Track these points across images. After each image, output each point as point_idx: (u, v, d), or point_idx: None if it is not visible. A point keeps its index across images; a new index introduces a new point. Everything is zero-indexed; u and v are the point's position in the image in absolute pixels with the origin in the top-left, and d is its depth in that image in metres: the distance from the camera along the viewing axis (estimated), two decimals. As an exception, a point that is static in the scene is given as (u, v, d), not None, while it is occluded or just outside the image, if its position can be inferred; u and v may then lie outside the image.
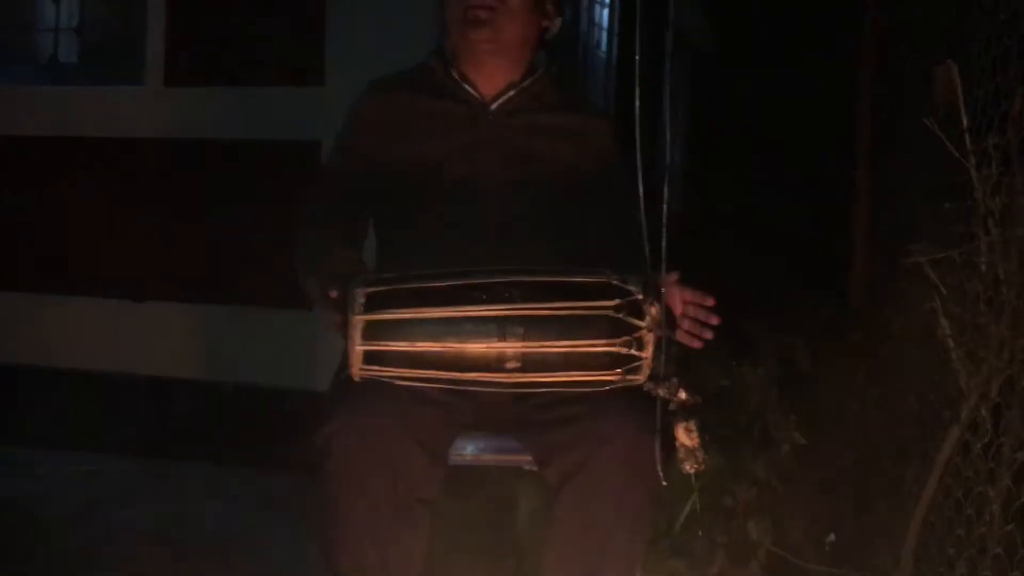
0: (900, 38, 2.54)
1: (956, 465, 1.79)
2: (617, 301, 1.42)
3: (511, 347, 1.42)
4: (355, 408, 1.47)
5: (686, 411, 1.41)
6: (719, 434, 2.49)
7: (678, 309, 1.52)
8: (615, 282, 1.44)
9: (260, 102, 3.24)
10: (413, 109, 1.79)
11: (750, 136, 6.05)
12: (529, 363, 1.43)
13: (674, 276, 1.49)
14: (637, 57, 1.38)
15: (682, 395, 1.41)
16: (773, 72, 6.04)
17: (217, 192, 3.30)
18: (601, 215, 1.79)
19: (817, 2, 5.32)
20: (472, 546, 2.29)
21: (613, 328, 1.42)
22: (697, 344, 1.52)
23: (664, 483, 1.44)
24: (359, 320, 1.40)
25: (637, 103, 1.34)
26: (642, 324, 1.41)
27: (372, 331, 1.41)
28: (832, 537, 2.23)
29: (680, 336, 1.52)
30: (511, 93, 1.80)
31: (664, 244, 1.35)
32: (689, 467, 1.40)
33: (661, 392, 1.41)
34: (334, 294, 1.43)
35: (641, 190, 1.38)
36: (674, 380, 1.41)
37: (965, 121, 1.78)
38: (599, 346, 1.42)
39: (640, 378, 1.44)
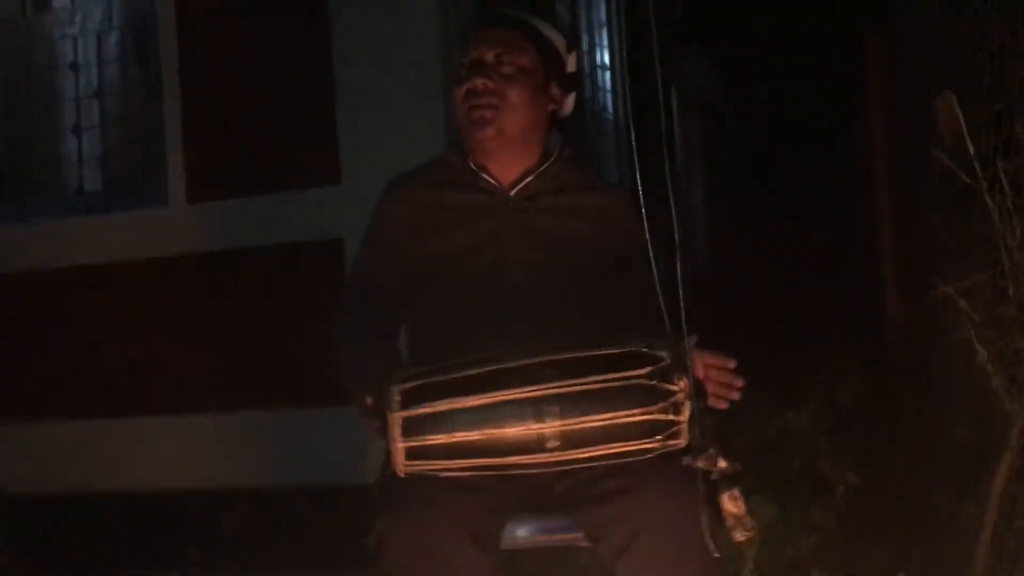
0: (902, 75, 2.56)
1: (1012, 492, 1.76)
2: (649, 368, 1.43)
3: (549, 427, 1.43)
4: (403, 506, 1.48)
5: (728, 480, 1.40)
6: (771, 484, 2.47)
7: (700, 373, 1.52)
8: (644, 350, 1.45)
9: (279, 207, 3.31)
10: (435, 204, 1.82)
11: (771, 182, 6.07)
12: (569, 440, 1.44)
13: (693, 341, 1.49)
14: (632, 121, 1.41)
15: (722, 464, 1.40)
16: (787, 117, 6.08)
17: (247, 298, 3.36)
18: (630, 292, 1.79)
19: (825, 49, 5.37)
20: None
21: (648, 396, 1.43)
22: (723, 406, 1.52)
23: (717, 554, 1.43)
24: (397, 417, 1.42)
25: (636, 162, 1.36)
26: (676, 388, 1.42)
27: (411, 427, 1.43)
28: (902, 576, 2.19)
29: (708, 400, 1.52)
30: (529, 179, 1.83)
31: (683, 310, 1.36)
32: (739, 535, 1.39)
33: (700, 464, 1.41)
34: (369, 402, 1.45)
35: (652, 254, 1.40)
36: (711, 451, 1.40)
37: (971, 148, 1.79)
38: (636, 415, 1.43)
39: (681, 442, 1.44)
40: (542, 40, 1.82)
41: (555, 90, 1.84)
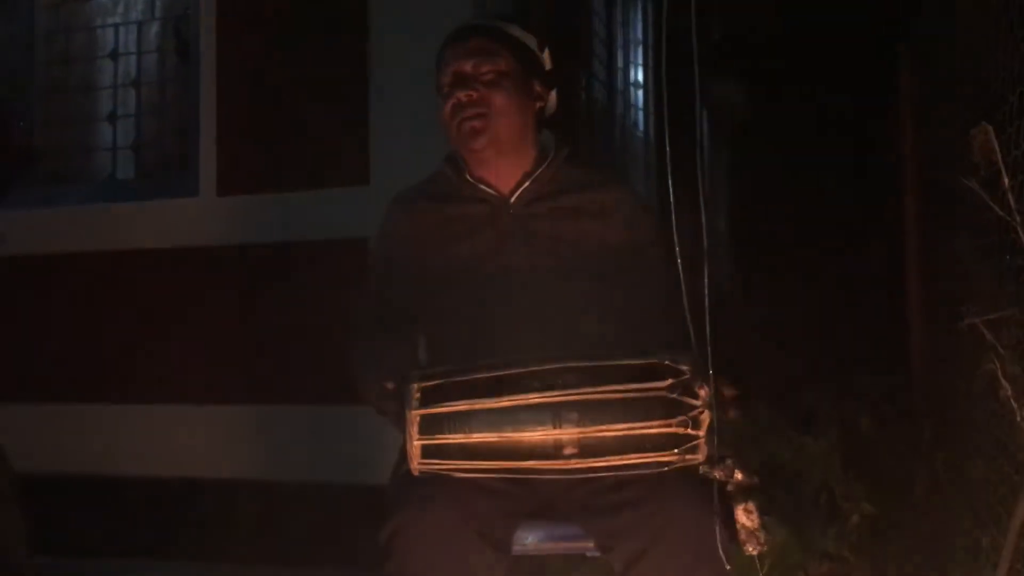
0: (936, 102, 2.55)
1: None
2: (670, 381, 1.42)
3: (567, 433, 1.43)
4: (416, 504, 1.48)
5: (744, 492, 1.39)
6: (785, 509, 2.45)
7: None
8: (667, 362, 1.44)
9: (308, 204, 3.33)
10: (437, 217, 1.84)
11: (797, 206, 6.05)
12: (586, 448, 1.44)
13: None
14: (668, 143, 1.41)
15: (738, 476, 1.40)
16: (816, 143, 6.06)
17: (271, 293, 3.38)
18: (639, 287, 1.79)
19: (857, 75, 5.36)
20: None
21: (668, 409, 1.42)
22: None
23: (728, 566, 1.42)
24: (415, 415, 1.43)
25: (672, 188, 1.36)
26: (696, 403, 1.41)
27: (428, 425, 1.43)
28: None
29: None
30: (527, 183, 1.84)
31: (708, 326, 1.36)
32: (752, 548, 1.39)
33: (717, 475, 1.40)
34: (391, 386, 1.46)
35: (680, 273, 1.40)
36: (728, 462, 1.40)
37: (1006, 181, 1.78)
38: (655, 427, 1.43)
39: (698, 457, 1.44)
40: (514, 42, 1.84)
41: (538, 87, 1.85)
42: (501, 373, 1.45)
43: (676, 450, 1.43)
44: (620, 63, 5.12)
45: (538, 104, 1.86)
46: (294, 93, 3.37)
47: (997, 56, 1.91)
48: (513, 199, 1.83)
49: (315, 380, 3.24)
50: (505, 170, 1.84)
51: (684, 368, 1.43)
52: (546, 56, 1.89)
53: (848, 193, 5.45)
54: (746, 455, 1.44)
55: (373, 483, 2.03)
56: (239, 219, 3.40)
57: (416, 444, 1.43)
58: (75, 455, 3.50)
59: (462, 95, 1.78)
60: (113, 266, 3.55)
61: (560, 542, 1.69)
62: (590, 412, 1.43)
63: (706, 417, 1.41)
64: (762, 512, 1.38)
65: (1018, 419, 1.75)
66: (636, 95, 5.37)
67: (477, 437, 1.43)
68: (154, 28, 3.77)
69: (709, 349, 1.39)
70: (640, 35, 5.39)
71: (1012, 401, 1.79)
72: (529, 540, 1.66)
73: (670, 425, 1.42)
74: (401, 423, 1.44)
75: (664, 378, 1.43)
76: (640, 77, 5.37)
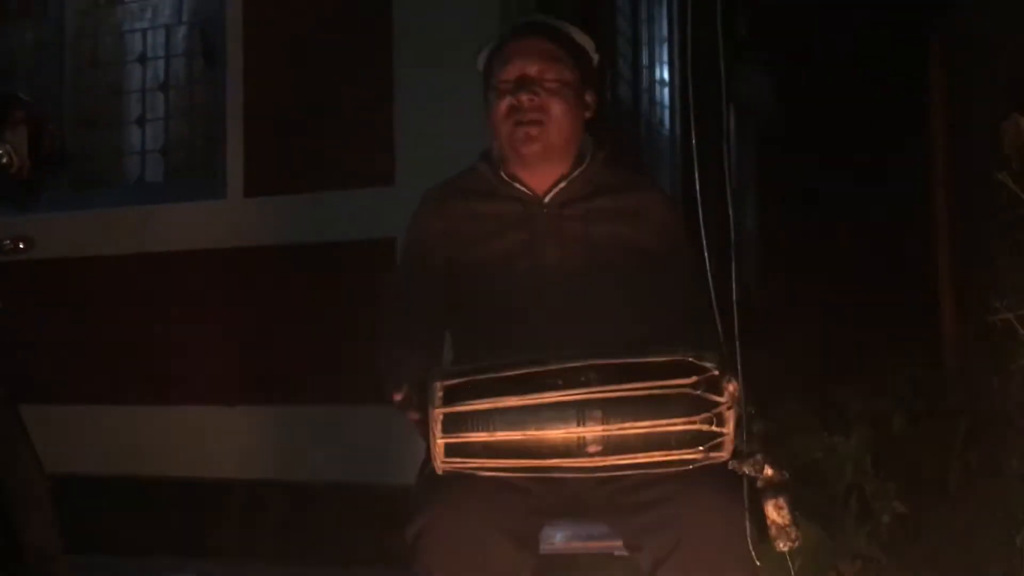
0: (967, 95, 2.52)
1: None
2: (694, 378, 1.41)
3: (591, 431, 1.42)
4: (441, 503, 1.48)
5: (774, 487, 1.37)
6: (816, 508, 2.43)
7: None
8: (691, 359, 1.43)
9: (335, 205, 3.35)
10: (469, 214, 1.83)
11: (825, 202, 5.99)
12: (610, 446, 1.43)
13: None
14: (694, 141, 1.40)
15: (768, 471, 1.38)
16: (844, 138, 6.00)
17: (298, 294, 3.40)
18: (669, 290, 1.78)
19: (887, 68, 5.30)
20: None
21: (692, 406, 1.41)
22: None
23: (758, 563, 1.40)
24: (439, 413, 1.42)
25: (698, 184, 1.35)
26: (721, 400, 1.40)
27: (452, 423, 1.43)
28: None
29: None
30: (562, 184, 1.82)
31: (736, 321, 1.34)
32: (782, 545, 1.36)
33: (747, 470, 1.38)
34: (400, 396, 1.46)
35: (709, 270, 1.38)
36: (758, 457, 1.38)
37: (1039, 172, 1.75)
38: (679, 424, 1.41)
39: (723, 455, 1.42)
40: (578, 49, 1.83)
41: (589, 98, 1.84)
42: (525, 371, 1.44)
43: (701, 447, 1.41)
44: (645, 61, 5.09)
45: (587, 114, 1.85)
46: (319, 96, 3.38)
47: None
48: (547, 199, 1.82)
49: (344, 380, 3.25)
50: (543, 172, 1.83)
51: (709, 365, 1.41)
52: (596, 58, 1.88)
53: (878, 188, 5.38)
54: (776, 454, 1.41)
55: (401, 483, 2.03)
56: (266, 221, 3.42)
57: (440, 442, 1.43)
58: (107, 456, 3.54)
59: (524, 97, 1.76)
60: (142, 268, 3.59)
61: (588, 541, 1.68)
62: (615, 409, 1.42)
63: (731, 414, 1.40)
64: (792, 508, 1.36)
65: (1052, 415, 1.72)
66: (662, 93, 5.34)
67: (501, 435, 1.42)
68: (182, 32, 3.80)
69: (737, 345, 1.37)
70: (665, 32, 5.36)
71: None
72: (557, 539, 1.65)
73: (694, 422, 1.40)
74: (420, 428, 1.44)
75: (689, 375, 1.41)
76: (665, 75, 5.34)
